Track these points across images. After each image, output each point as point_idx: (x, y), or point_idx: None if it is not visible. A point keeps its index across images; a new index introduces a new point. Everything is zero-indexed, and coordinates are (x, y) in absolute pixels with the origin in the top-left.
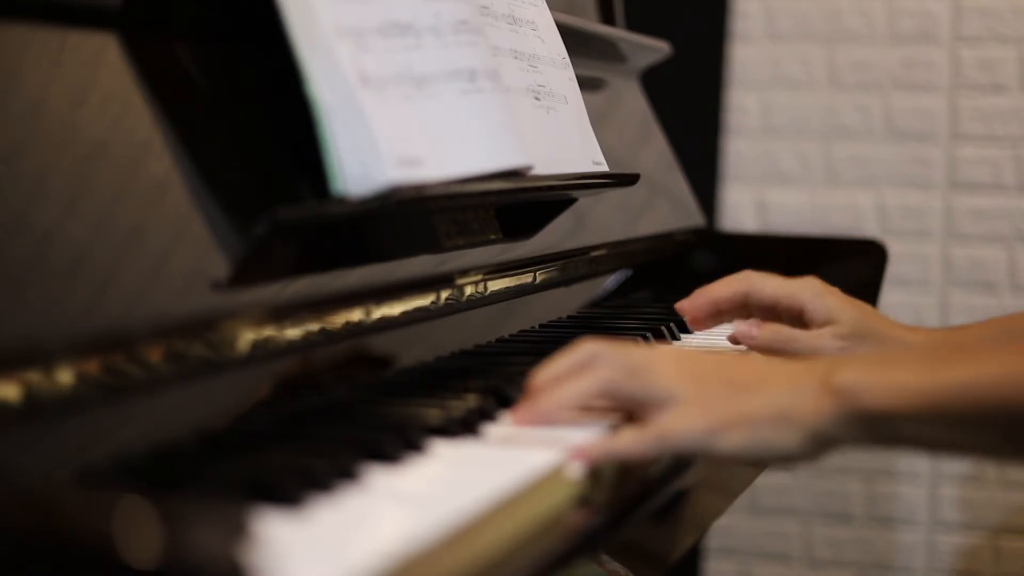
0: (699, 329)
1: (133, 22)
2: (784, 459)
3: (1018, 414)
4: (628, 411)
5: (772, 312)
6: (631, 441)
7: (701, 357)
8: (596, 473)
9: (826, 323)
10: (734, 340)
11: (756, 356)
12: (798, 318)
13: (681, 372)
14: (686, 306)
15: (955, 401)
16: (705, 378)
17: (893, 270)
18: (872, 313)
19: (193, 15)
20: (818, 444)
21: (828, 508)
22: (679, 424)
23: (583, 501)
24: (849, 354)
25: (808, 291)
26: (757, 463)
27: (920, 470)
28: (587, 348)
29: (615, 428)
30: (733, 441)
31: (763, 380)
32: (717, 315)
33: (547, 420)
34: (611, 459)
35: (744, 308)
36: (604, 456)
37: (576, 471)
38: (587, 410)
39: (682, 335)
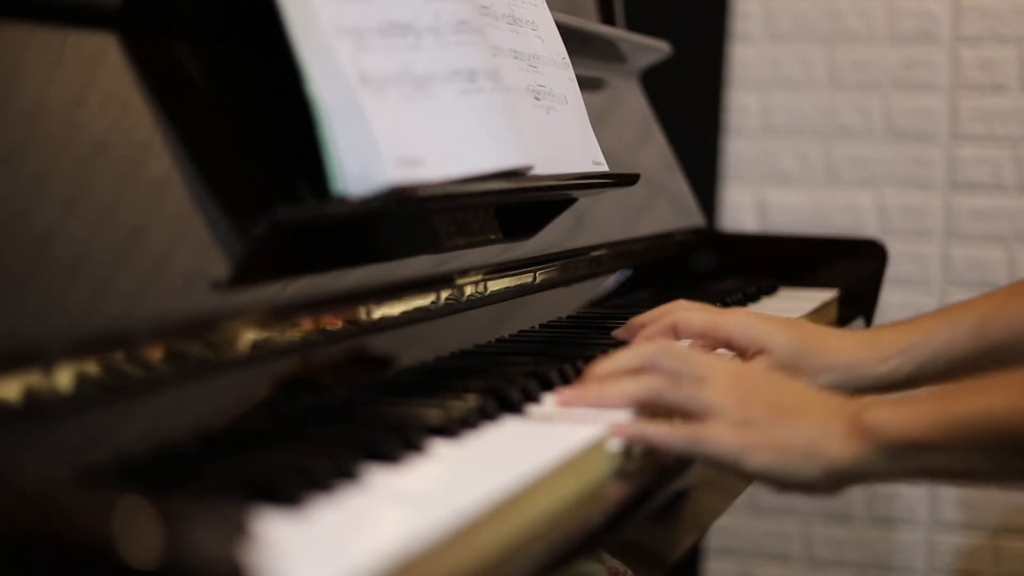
0: None
1: (133, 22)
2: (804, 488)
3: None
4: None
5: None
6: (666, 433)
7: (753, 377)
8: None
9: (758, 352)
10: None
11: (801, 381)
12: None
13: (728, 389)
14: (620, 335)
15: (972, 428)
16: (749, 397)
17: (893, 270)
18: (808, 330)
19: (193, 15)
20: (838, 480)
21: (828, 508)
22: (716, 434)
23: (583, 501)
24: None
25: (732, 322)
26: (778, 486)
27: None
28: (650, 350)
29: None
30: (761, 461)
31: (801, 409)
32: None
33: (590, 407)
34: (643, 441)
35: (677, 337)
36: (638, 437)
37: (615, 444)
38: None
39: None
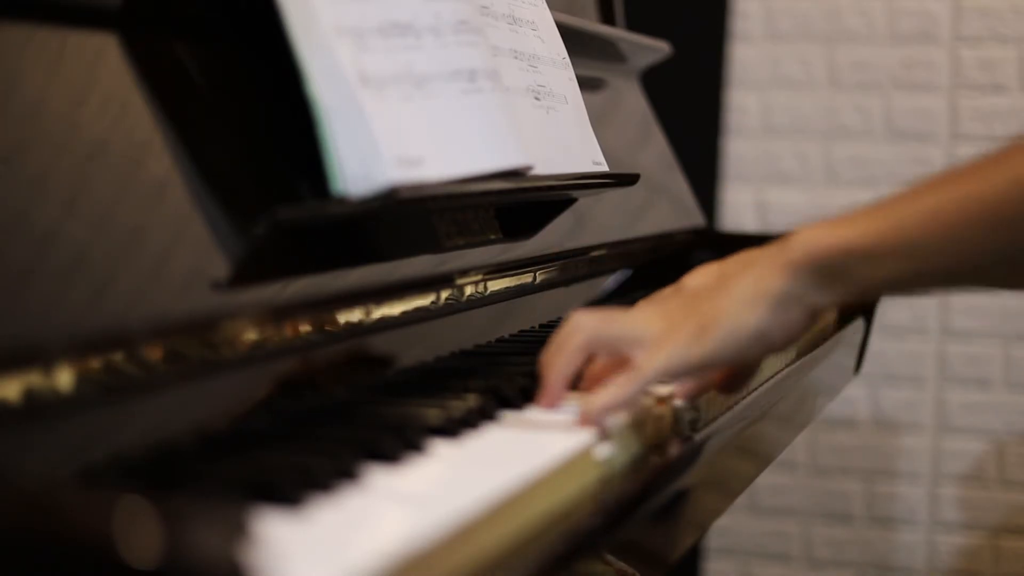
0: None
1: (133, 22)
2: (762, 335)
3: (969, 221)
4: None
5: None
6: (615, 388)
7: (672, 293)
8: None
9: None
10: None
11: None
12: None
13: (650, 310)
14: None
15: (904, 227)
16: (670, 310)
17: None
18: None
19: (193, 15)
20: (790, 306)
21: (828, 508)
22: (653, 353)
23: (582, 500)
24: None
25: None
26: (740, 354)
27: (920, 470)
28: (571, 319)
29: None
30: (707, 344)
31: (723, 282)
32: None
33: (558, 399)
34: (606, 410)
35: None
36: (599, 410)
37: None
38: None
39: None
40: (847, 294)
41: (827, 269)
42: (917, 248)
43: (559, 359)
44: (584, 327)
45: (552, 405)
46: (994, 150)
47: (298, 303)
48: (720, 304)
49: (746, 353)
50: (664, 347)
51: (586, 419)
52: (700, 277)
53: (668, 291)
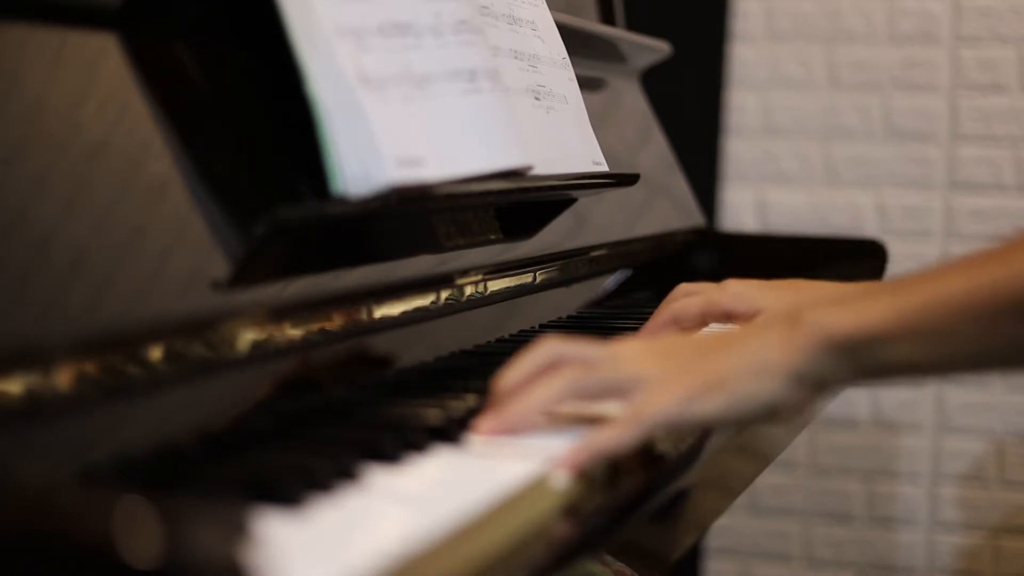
0: None
1: (133, 22)
2: (771, 410)
3: (998, 310)
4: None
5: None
6: (611, 433)
7: (664, 339)
8: (588, 474)
9: (756, 315)
10: None
11: (721, 330)
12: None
13: (645, 354)
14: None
15: (928, 312)
16: (670, 353)
17: (893, 270)
18: (802, 286)
19: (193, 15)
20: (802, 385)
21: (828, 508)
22: (653, 400)
23: (583, 500)
24: (818, 299)
25: (727, 296)
26: (743, 421)
27: (920, 470)
28: (548, 348)
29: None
30: (713, 404)
31: (729, 342)
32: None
33: (515, 429)
34: (597, 456)
35: (680, 328)
36: (590, 455)
37: (560, 481)
38: (555, 417)
39: None
40: (862, 377)
41: (846, 352)
42: (942, 336)
43: (532, 398)
44: (567, 369)
45: (496, 435)
46: (1018, 236)
47: (298, 303)
48: (729, 365)
49: (748, 422)
50: (671, 391)
51: (577, 458)
52: (775, 308)
53: (657, 339)
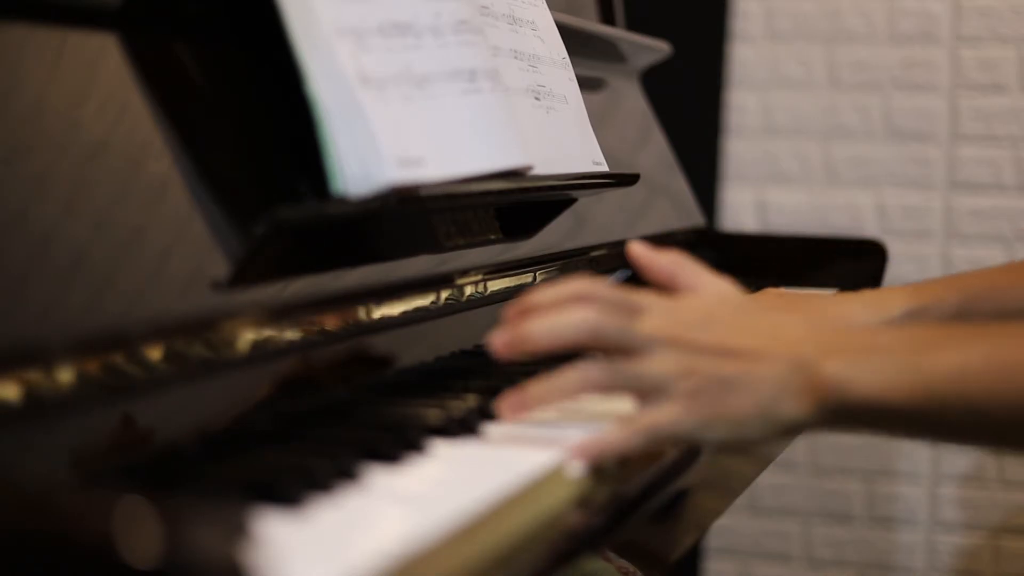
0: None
1: (133, 22)
2: (752, 448)
3: (1004, 407)
4: (606, 353)
5: None
6: (621, 435)
7: (694, 309)
8: (599, 470)
9: None
10: None
11: (757, 307)
12: None
13: (667, 323)
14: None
15: (941, 395)
16: (693, 340)
17: (893, 270)
18: (807, 299)
19: (193, 15)
20: (786, 433)
21: (828, 508)
22: (666, 413)
23: (584, 500)
24: (841, 334)
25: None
26: (728, 448)
27: (920, 470)
28: (580, 284)
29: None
30: (717, 434)
31: (753, 355)
32: None
33: (531, 406)
34: (604, 454)
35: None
36: (598, 451)
37: (576, 470)
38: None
39: None
40: (852, 431)
41: (855, 416)
42: (947, 411)
43: (545, 323)
44: (590, 306)
45: (516, 416)
46: None
47: (298, 303)
48: (742, 405)
49: (729, 448)
50: (687, 412)
51: (583, 453)
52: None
53: (689, 303)
